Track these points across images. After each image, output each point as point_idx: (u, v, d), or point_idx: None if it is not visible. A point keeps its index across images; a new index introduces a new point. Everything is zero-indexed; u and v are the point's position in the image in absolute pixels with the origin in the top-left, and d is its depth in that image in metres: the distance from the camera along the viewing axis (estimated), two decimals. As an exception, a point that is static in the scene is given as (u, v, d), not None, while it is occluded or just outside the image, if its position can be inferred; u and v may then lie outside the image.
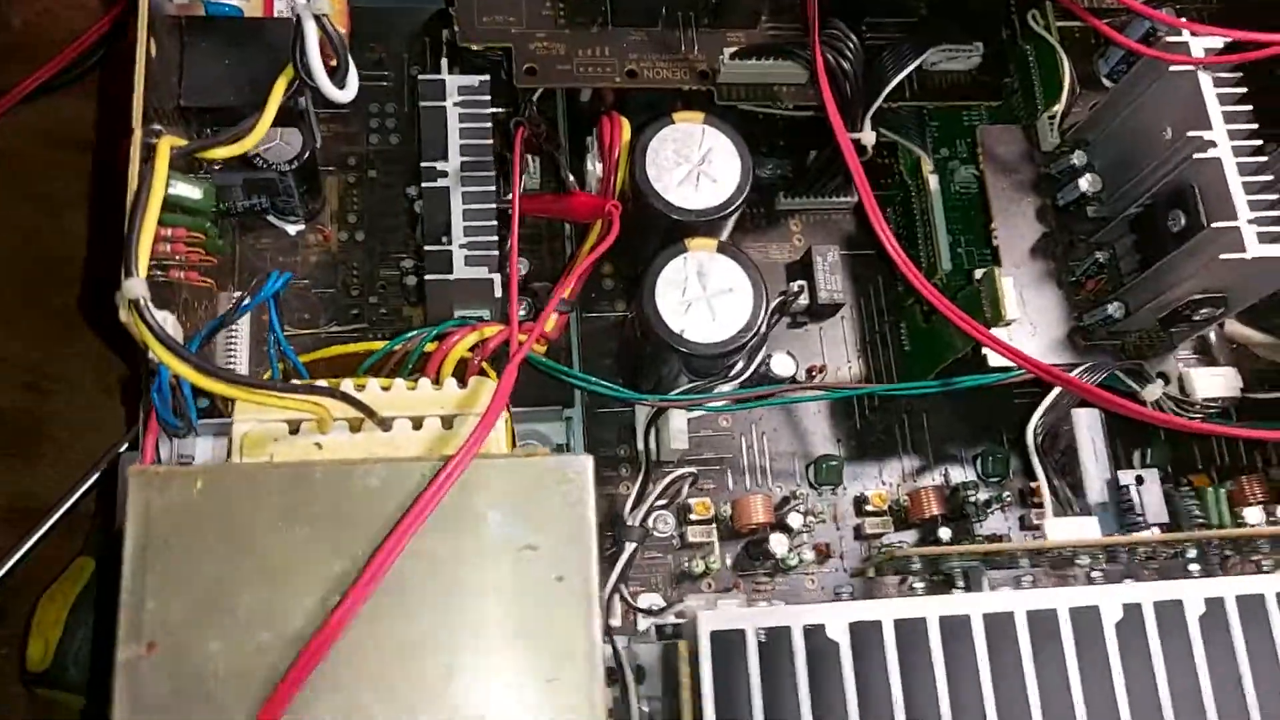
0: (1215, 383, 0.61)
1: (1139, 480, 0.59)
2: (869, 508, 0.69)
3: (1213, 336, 0.63)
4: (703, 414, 0.69)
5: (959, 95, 0.70)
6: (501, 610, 0.44)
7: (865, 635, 0.51)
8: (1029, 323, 0.63)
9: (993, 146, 0.67)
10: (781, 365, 0.68)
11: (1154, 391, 0.61)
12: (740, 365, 0.63)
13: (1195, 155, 0.55)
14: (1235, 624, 0.52)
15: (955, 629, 0.51)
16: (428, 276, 0.61)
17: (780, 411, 0.71)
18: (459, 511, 0.45)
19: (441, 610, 0.44)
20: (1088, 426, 0.60)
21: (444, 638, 0.44)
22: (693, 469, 0.65)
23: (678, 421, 0.64)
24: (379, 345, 0.57)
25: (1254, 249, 0.54)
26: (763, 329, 0.60)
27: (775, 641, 0.51)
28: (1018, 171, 0.66)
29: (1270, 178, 0.56)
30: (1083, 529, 0.55)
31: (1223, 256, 0.54)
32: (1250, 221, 0.54)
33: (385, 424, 0.50)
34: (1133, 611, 0.51)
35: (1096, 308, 0.62)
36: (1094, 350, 0.63)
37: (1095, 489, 0.59)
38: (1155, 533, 0.58)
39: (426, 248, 0.61)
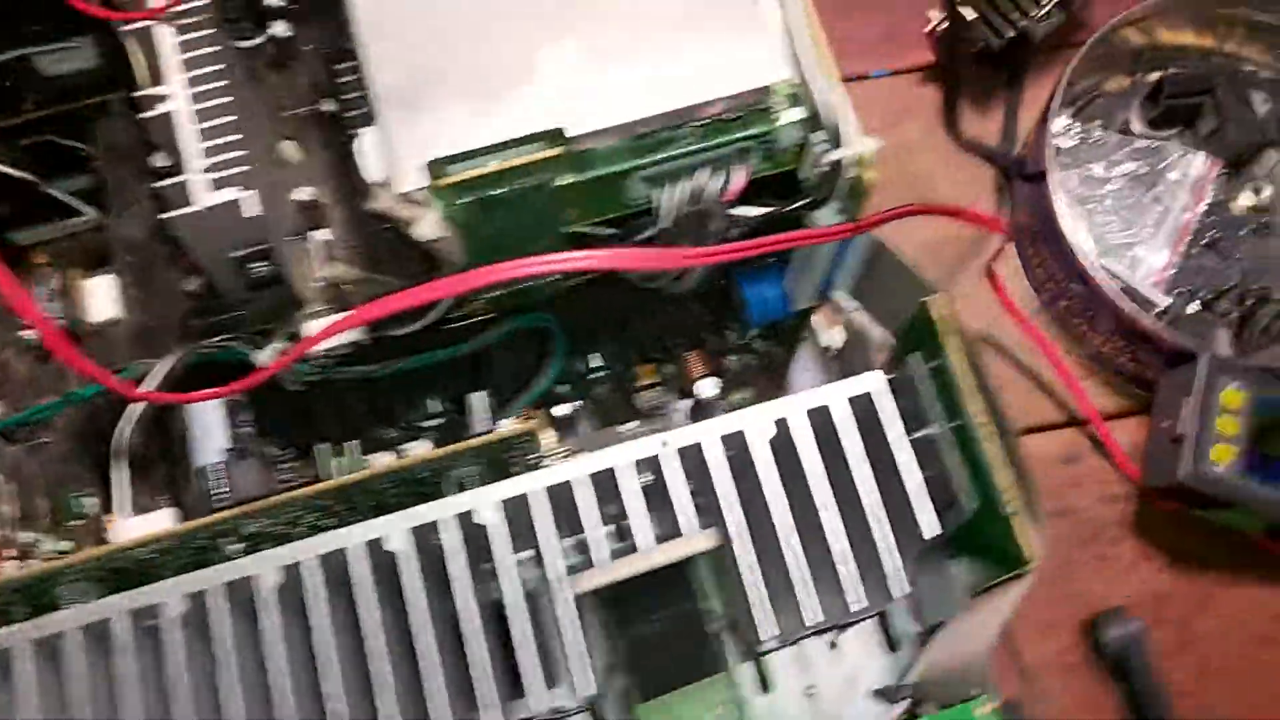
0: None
1: (240, 454, 0.61)
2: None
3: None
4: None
5: (85, 94, 0.67)
6: None
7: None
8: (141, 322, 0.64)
9: (112, 139, 0.67)
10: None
11: (266, 355, 0.62)
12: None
13: (142, 114, 0.56)
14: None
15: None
16: None
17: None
18: None
19: None
20: (199, 413, 0.62)
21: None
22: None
23: None
24: None
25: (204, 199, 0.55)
26: None
27: None
28: (137, 159, 0.66)
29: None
30: (154, 522, 0.56)
31: (166, 215, 0.55)
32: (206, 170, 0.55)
33: None
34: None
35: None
36: (207, 332, 0.63)
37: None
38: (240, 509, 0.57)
39: None
